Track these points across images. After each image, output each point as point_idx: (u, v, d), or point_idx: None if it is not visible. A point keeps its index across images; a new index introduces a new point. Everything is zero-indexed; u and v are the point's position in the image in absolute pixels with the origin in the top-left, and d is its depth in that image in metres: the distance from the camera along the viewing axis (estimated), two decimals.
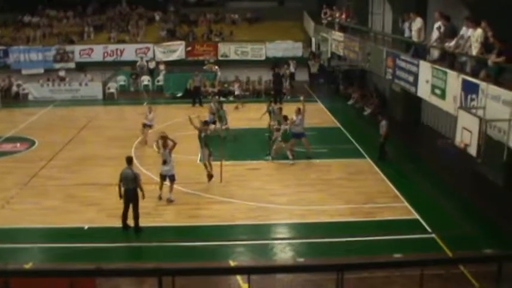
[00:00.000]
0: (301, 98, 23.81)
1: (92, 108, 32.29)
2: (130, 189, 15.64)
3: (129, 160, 15.97)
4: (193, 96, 32.66)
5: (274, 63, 37.73)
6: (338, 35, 30.82)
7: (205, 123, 20.40)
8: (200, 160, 20.43)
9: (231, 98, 33.87)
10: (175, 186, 18.14)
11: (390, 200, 18.06)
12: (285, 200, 18.12)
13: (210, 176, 19.52)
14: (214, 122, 24.80)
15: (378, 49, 23.94)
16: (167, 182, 18.02)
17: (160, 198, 17.85)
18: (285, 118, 22.45)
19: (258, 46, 39.86)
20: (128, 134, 25.52)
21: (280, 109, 23.75)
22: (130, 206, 15.76)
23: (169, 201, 17.67)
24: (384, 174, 20.36)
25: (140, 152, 23.14)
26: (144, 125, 24.63)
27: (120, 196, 15.73)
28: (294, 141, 22.32)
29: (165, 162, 17.74)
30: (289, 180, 20.02)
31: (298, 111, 22.41)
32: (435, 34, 18.30)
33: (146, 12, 44.78)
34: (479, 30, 15.36)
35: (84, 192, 18.87)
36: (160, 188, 17.99)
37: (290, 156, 21.90)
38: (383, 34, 26.37)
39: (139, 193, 15.73)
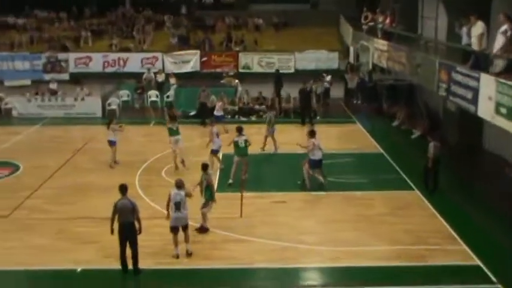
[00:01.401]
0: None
1: (88, 128, 32.29)
2: (129, 223, 15.52)
3: (124, 189, 15.87)
4: (201, 114, 32.80)
5: (277, 76, 37.55)
6: (381, 44, 30.66)
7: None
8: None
9: (253, 118, 33.87)
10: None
11: (444, 241, 17.75)
12: (316, 239, 17.90)
13: (202, 229, 18.43)
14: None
15: (429, 60, 23.72)
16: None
17: (177, 256, 16.83)
18: (239, 130, 22.99)
19: (286, 57, 39.84)
20: (132, 159, 25.52)
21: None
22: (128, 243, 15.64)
23: (189, 254, 17.00)
24: (436, 210, 20.07)
25: (146, 180, 23.13)
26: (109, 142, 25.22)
27: (112, 231, 15.60)
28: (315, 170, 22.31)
29: (178, 208, 16.67)
30: (322, 215, 19.84)
31: (312, 134, 22.37)
32: (500, 40, 18.01)
33: (154, 15, 45.16)
34: None
35: (78, 228, 18.76)
36: (176, 244, 16.88)
37: None
38: (436, 42, 26.16)
39: (137, 227, 15.62)
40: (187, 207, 16.82)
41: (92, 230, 18.45)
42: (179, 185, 16.76)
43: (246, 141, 22.85)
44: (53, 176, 24.12)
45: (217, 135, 24.46)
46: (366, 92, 37.88)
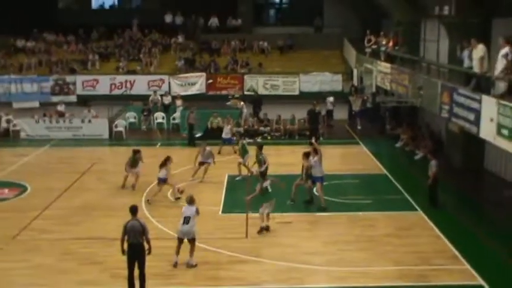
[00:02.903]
0: (313, 141, 24.47)
1: (96, 149, 32.47)
2: (138, 244, 15.45)
3: (134, 210, 15.79)
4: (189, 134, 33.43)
5: (256, 99, 37.94)
6: (384, 66, 30.81)
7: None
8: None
9: (258, 140, 33.88)
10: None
11: (448, 261, 17.67)
12: (322, 259, 17.82)
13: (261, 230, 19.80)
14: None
15: (431, 82, 23.85)
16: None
17: (175, 265, 17.19)
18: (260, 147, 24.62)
19: (290, 79, 40.11)
20: (139, 180, 25.46)
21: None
22: (136, 264, 15.55)
23: (190, 265, 17.21)
24: (440, 230, 19.96)
25: (152, 201, 23.09)
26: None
27: (123, 252, 15.58)
28: (311, 184, 22.73)
29: (187, 222, 17.11)
30: (327, 236, 19.76)
31: (314, 152, 22.61)
32: (501, 63, 18.11)
33: (161, 38, 45.33)
34: None
35: (85, 248, 18.68)
36: (177, 253, 17.31)
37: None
38: (438, 64, 26.27)
39: (146, 248, 15.60)
40: (195, 223, 17.13)
41: (98, 251, 18.39)
42: (190, 201, 17.36)
43: None
44: (60, 197, 24.08)
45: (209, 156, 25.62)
46: (370, 114, 37.98)
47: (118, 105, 38.47)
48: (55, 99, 38.87)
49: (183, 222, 17.11)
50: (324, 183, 22.62)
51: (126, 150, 27.27)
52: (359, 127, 37.18)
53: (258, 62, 42.12)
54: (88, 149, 32.80)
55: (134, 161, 25.14)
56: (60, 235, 19.92)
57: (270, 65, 42.28)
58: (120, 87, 39.84)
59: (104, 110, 37.03)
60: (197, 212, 17.27)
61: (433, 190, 22.37)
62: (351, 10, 44.11)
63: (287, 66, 41.86)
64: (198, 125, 34.10)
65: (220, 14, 46.44)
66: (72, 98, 39.27)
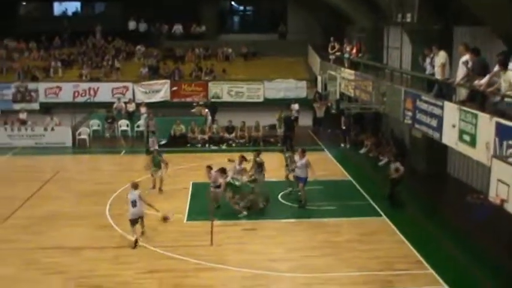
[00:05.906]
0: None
1: (59, 158, 32.07)
2: None
3: None
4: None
5: (210, 107, 37.65)
6: (348, 73, 31.01)
7: None
8: None
9: (223, 147, 33.87)
10: (157, 250, 18.21)
11: (412, 266, 17.81)
12: (287, 266, 17.85)
13: None
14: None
15: (394, 89, 24.06)
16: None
17: (137, 241, 18.83)
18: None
19: (255, 86, 40.29)
20: (102, 189, 25.25)
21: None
22: None
23: (143, 232, 19.46)
24: (404, 235, 20.14)
25: (116, 210, 22.72)
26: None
27: None
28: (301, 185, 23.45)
29: (134, 205, 19.05)
30: (292, 242, 19.79)
31: (302, 155, 23.56)
32: (462, 70, 18.33)
33: (125, 45, 45.23)
34: (509, 73, 15.41)
35: (48, 258, 18.42)
36: (135, 232, 19.10)
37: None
38: (401, 71, 26.54)
39: None
40: (141, 204, 19.20)
41: (62, 260, 18.15)
42: (134, 186, 19.49)
43: None
44: (23, 205, 23.75)
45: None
46: (334, 121, 38.07)
47: (81, 112, 38.10)
48: (17, 107, 38.56)
49: (132, 206, 19.08)
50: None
51: (90, 158, 26.99)
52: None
53: (222, 69, 42.15)
54: (51, 157, 32.32)
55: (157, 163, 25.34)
56: (23, 244, 19.63)
57: (234, 72, 42.38)
58: (83, 94, 39.75)
59: (67, 117, 36.54)
60: (140, 196, 19.25)
61: (395, 187, 23.20)
62: (315, 17, 44.41)
63: (251, 73, 42.04)
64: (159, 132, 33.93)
65: (184, 21, 46.54)
66: (35, 106, 39.01)
